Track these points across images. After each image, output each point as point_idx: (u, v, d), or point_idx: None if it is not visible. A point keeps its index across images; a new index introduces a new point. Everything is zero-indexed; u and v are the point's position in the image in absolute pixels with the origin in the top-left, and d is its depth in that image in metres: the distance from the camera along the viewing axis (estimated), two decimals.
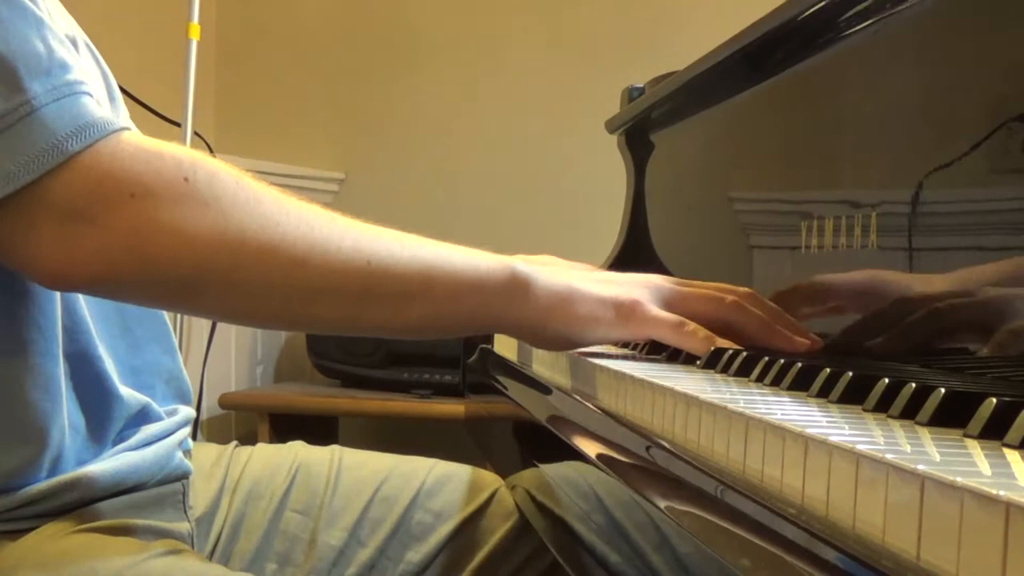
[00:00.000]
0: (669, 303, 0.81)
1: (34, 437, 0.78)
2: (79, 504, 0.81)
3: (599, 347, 0.98)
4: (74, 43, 0.81)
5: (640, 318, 0.79)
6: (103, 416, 0.84)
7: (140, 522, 0.84)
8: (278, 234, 0.72)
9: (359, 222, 0.77)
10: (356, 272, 0.74)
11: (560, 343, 0.83)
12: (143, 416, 0.89)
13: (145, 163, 0.69)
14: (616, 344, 0.99)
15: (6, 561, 0.75)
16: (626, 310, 0.80)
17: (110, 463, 0.83)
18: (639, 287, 0.82)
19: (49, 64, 0.69)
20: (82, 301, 0.83)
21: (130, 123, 0.74)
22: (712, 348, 0.76)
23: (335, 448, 1.08)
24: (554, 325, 0.79)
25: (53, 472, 0.80)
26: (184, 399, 0.96)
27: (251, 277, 0.72)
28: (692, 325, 0.79)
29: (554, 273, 0.80)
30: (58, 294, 0.80)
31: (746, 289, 0.84)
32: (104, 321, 0.87)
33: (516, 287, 0.78)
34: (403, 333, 0.80)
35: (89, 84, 0.72)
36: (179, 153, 0.72)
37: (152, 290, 0.73)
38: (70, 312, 0.82)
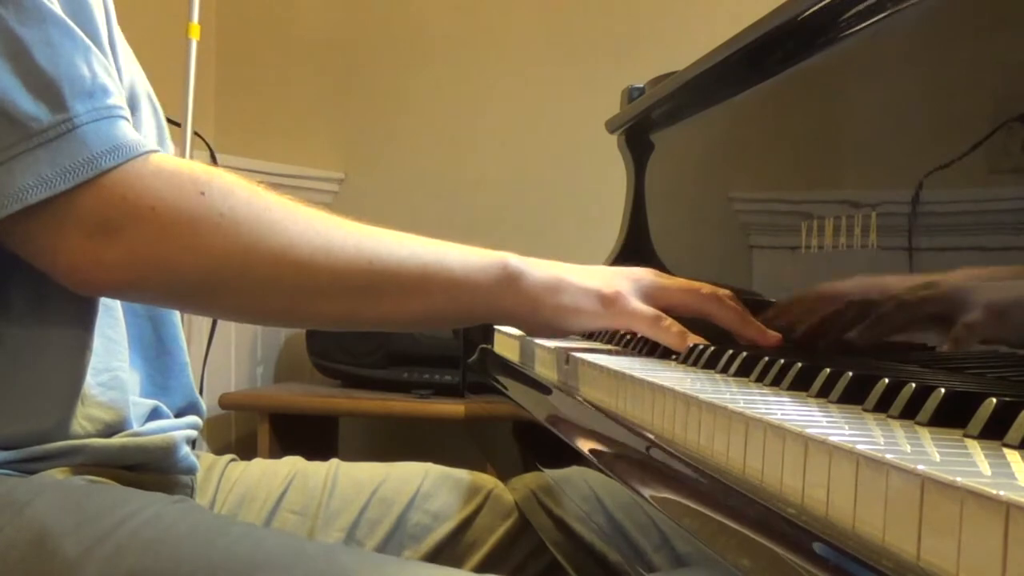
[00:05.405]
0: (650, 295, 0.88)
1: (51, 411, 0.80)
2: (88, 466, 0.82)
3: (598, 344, 0.98)
4: (135, 96, 0.89)
5: (620, 309, 0.87)
6: (118, 408, 0.85)
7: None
8: (286, 239, 0.78)
9: (362, 225, 0.83)
10: (358, 272, 0.80)
11: (549, 330, 0.90)
12: (153, 415, 0.91)
13: (165, 180, 0.76)
14: (607, 339, 0.99)
15: (22, 495, 0.75)
16: (608, 301, 0.87)
17: (117, 439, 0.85)
18: (623, 279, 0.89)
19: (92, 87, 0.75)
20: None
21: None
22: (688, 344, 0.82)
23: (333, 461, 1.09)
24: (542, 313, 0.86)
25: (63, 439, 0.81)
26: (197, 413, 0.98)
27: (261, 279, 0.78)
28: (668, 320, 0.86)
29: (544, 266, 0.87)
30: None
31: (725, 290, 0.90)
32: (139, 341, 0.91)
33: (508, 280, 0.85)
34: (403, 327, 0.87)
35: (126, 109, 0.78)
36: (197, 170, 0.78)
37: (171, 294, 0.81)
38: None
